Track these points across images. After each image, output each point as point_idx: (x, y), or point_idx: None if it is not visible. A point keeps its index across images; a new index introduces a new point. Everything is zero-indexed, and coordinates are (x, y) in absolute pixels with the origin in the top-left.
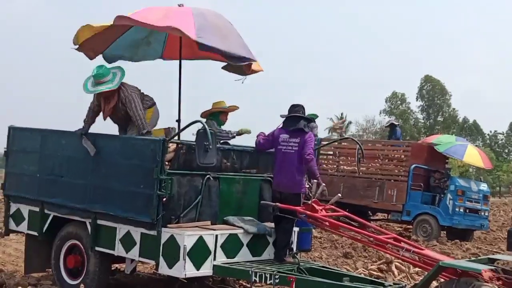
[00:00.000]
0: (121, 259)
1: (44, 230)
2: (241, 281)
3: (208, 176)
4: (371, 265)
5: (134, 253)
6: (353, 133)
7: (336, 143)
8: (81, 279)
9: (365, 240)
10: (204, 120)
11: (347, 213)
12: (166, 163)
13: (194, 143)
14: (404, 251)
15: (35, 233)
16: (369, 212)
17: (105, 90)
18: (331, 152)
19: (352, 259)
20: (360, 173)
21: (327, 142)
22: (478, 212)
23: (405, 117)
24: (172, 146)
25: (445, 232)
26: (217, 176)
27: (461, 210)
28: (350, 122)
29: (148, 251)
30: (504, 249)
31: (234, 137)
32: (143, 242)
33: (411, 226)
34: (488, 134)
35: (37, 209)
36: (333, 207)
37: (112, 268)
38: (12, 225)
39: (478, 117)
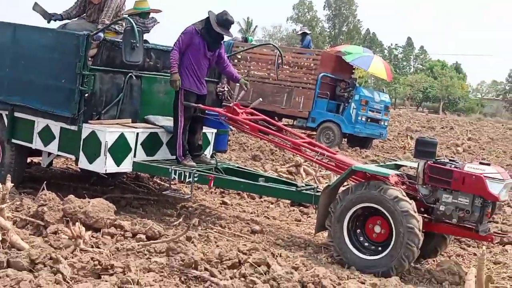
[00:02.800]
0: (38, 153)
1: None
2: (155, 178)
3: (130, 74)
4: (281, 168)
5: (53, 147)
6: (259, 39)
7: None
8: None
9: (282, 144)
10: (131, 18)
11: (266, 117)
12: (89, 58)
13: (118, 40)
14: (319, 155)
15: None
16: (276, 117)
17: None
18: (240, 57)
19: (260, 161)
20: (278, 79)
21: (246, 48)
22: (379, 121)
23: (312, 25)
24: (95, 42)
25: (346, 139)
26: (139, 74)
27: (363, 119)
28: (256, 26)
29: (67, 146)
30: (400, 156)
31: (158, 23)
32: (63, 137)
33: (315, 133)
34: (389, 47)
35: None
36: (252, 111)
37: (28, 162)
38: None
39: (378, 30)
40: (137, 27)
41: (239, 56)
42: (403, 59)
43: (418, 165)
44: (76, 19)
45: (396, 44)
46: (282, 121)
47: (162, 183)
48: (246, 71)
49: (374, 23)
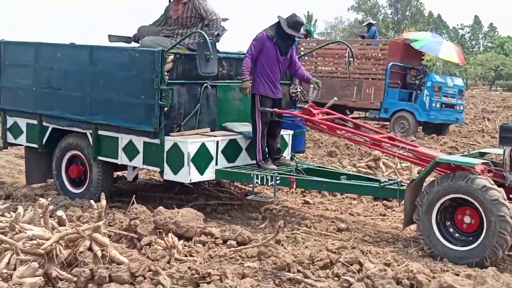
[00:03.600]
0: (122, 167)
1: (43, 142)
2: (235, 183)
3: (205, 84)
4: (359, 163)
5: (138, 161)
6: (321, 31)
7: (315, 44)
8: (84, 187)
9: (361, 140)
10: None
11: (342, 116)
12: (165, 73)
13: (192, 53)
14: (400, 149)
15: (35, 145)
16: (347, 111)
17: None
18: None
19: (336, 157)
20: (350, 75)
21: (319, 46)
22: (454, 106)
23: (374, 12)
24: (170, 57)
25: (421, 127)
26: (214, 84)
27: (438, 105)
28: (317, 20)
29: (152, 159)
30: (479, 141)
31: (226, 30)
32: (146, 151)
33: (388, 123)
34: (454, 27)
35: (35, 122)
36: (328, 110)
37: (114, 176)
38: (10, 138)
39: (443, 11)
40: (209, 39)
41: (302, 53)
42: (472, 39)
43: (504, 152)
44: (151, 36)
45: (462, 24)
46: (353, 114)
47: (243, 187)
48: (313, 67)
49: (438, 5)
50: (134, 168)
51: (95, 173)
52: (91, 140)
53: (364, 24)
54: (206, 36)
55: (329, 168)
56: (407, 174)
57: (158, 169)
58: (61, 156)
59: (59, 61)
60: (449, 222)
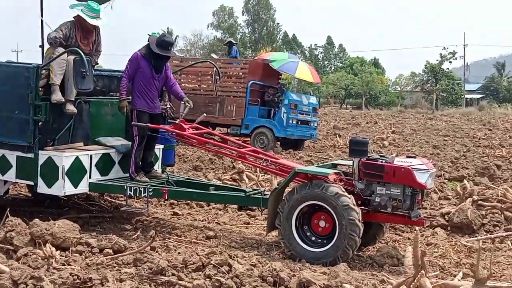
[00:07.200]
0: None
1: None
2: (105, 196)
3: (79, 100)
4: (224, 176)
5: (11, 175)
6: (181, 48)
7: (178, 62)
8: None
9: (228, 153)
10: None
11: (210, 130)
12: (40, 89)
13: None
14: (263, 161)
15: None
16: (210, 127)
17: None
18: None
19: (201, 171)
20: (216, 93)
21: (189, 64)
22: (309, 123)
23: (232, 31)
24: (44, 72)
25: (279, 143)
26: (87, 100)
27: (294, 122)
28: (177, 36)
29: (25, 173)
30: (331, 155)
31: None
32: (20, 165)
33: (249, 139)
34: (309, 47)
35: None
36: (197, 125)
37: None
38: None
39: (298, 31)
40: (86, 57)
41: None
42: (324, 59)
43: (353, 163)
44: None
45: (315, 44)
46: (215, 130)
47: (113, 200)
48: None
49: (294, 26)
50: (5, 182)
51: None
52: None
53: (225, 43)
54: (82, 54)
55: (198, 180)
56: (268, 185)
57: (31, 183)
58: None
59: None
60: (306, 227)
